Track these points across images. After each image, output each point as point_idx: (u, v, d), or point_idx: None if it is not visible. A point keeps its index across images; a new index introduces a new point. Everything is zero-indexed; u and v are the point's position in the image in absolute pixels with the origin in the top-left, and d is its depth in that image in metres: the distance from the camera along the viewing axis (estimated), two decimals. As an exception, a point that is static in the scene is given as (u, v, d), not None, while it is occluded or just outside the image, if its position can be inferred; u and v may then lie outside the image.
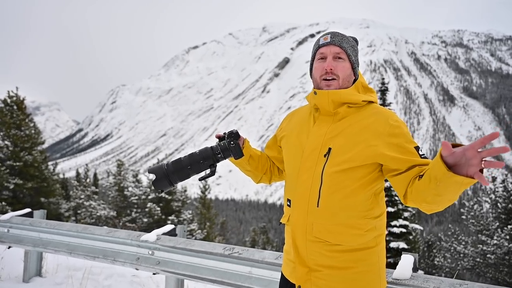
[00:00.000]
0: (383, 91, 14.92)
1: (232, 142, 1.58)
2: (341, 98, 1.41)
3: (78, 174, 29.18)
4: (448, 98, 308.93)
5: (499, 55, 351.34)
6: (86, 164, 27.75)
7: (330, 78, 1.43)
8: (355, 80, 1.48)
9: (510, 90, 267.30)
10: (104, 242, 3.31)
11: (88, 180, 22.13)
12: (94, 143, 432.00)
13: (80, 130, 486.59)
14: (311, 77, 1.53)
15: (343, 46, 1.44)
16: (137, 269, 3.15)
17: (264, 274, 2.51)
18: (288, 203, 1.49)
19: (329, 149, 1.39)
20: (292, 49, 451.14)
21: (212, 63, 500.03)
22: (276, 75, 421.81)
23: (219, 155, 1.57)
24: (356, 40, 1.55)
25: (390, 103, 14.88)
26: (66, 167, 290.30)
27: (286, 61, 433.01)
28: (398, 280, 1.89)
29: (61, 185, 21.03)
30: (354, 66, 1.46)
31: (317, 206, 1.38)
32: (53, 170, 17.13)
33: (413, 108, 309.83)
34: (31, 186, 14.35)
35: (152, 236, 3.08)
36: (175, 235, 3.26)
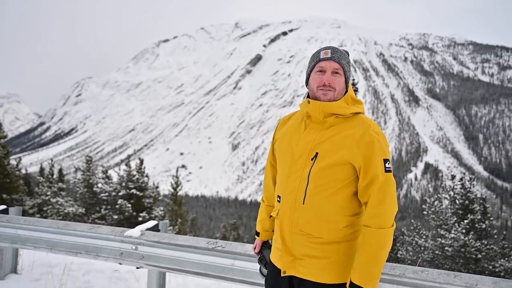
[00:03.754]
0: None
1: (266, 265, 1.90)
2: (331, 109, 1.59)
3: (42, 169, 27.99)
4: (413, 99, 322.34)
5: (461, 59, 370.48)
6: (50, 159, 26.67)
7: (328, 89, 1.61)
8: (346, 92, 1.65)
9: (470, 92, 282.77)
10: (86, 238, 3.37)
11: (54, 176, 21.31)
12: (57, 137, 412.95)
13: (42, 123, 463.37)
14: (307, 86, 1.69)
15: (342, 62, 1.61)
16: (120, 263, 3.24)
17: (247, 266, 2.66)
18: (278, 199, 1.70)
19: (316, 153, 1.58)
20: (264, 46, 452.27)
21: (183, 58, 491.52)
22: (248, 71, 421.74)
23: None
24: (348, 54, 1.70)
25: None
26: (27, 162, 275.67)
27: (258, 58, 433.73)
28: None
29: (24, 181, 20.14)
30: (347, 81, 1.64)
31: (303, 204, 1.58)
32: (16, 165, 16.41)
33: (381, 108, 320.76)
34: (-7, 182, 13.70)
35: (136, 231, 3.19)
36: (158, 230, 3.37)
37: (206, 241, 2.86)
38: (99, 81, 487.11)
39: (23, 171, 23.84)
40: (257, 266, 2.53)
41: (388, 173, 1.52)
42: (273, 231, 1.89)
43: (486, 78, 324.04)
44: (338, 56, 1.61)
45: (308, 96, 1.67)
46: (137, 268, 3.18)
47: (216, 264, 2.77)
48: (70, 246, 3.41)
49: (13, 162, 16.61)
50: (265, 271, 1.87)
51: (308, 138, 1.62)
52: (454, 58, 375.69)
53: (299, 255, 1.61)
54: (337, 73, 1.60)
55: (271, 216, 1.87)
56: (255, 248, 1.96)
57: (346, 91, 1.64)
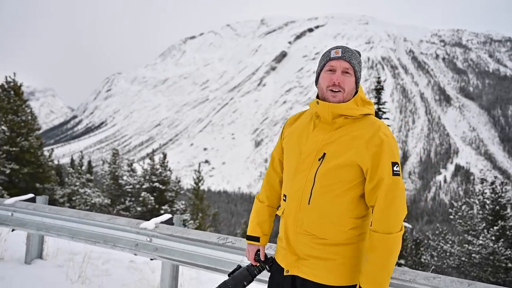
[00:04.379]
0: (378, 90, 15.13)
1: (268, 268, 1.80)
2: (340, 110, 1.57)
3: (72, 161, 29.19)
4: (444, 98, 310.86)
5: (498, 56, 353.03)
6: (80, 151, 27.75)
7: (337, 90, 1.57)
8: (356, 93, 1.62)
9: (506, 92, 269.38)
10: (104, 228, 3.51)
11: (83, 167, 22.18)
12: (88, 130, 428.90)
13: (75, 117, 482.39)
14: (317, 86, 1.66)
15: (352, 62, 1.58)
16: (135, 254, 3.35)
17: (256, 263, 2.75)
18: (284, 198, 1.67)
19: (324, 154, 1.57)
20: (289, 42, 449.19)
21: (208, 54, 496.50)
22: (273, 68, 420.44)
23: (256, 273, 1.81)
24: (360, 54, 1.67)
25: (385, 102, 15.08)
26: (60, 154, 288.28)
27: (283, 55, 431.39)
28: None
29: (56, 171, 21.09)
30: (358, 81, 1.61)
31: (308, 204, 1.57)
32: (48, 156, 17.20)
33: (409, 106, 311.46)
34: (27, 171, 14.44)
35: (150, 224, 3.28)
36: (172, 224, 3.46)
37: (217, 236, 2.89)
38: (128, 76, 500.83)
39: (55, 162, 24.96)
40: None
41: (396, 176, 1.50)
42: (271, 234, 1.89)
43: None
44: (349, 55, 1.58)
45: (317, 96, 1.65)
46: (151, 259, 3.28)
47: (225, 259, 2.79)
48: (89, 235, 3.56)
49: (46, 153, 17.42)
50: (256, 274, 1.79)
51: (316, 138, 1.61)
52: (490, 56, 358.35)
53: (303, 255, 1.60)
54: (347, 72, 1.57)
55: (276, 215, 1.83)
56: (256, 255, 1.82)
57: (356, 92, 1.62)
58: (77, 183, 17.49)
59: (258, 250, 1.83)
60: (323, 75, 1.61)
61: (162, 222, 3.36)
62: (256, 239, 1.82)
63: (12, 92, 14.68)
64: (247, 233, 1.85)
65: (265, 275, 1.98)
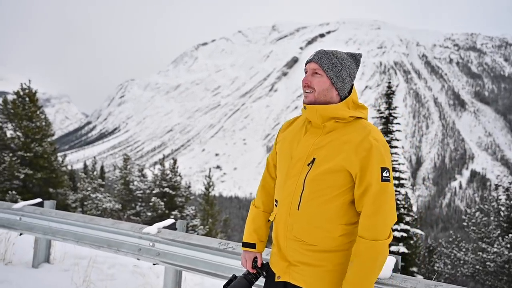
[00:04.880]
0: (389, 95, 14.98)
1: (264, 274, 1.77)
2: (329, 113, 1.55)
3: (85, 166, 29.67)
4: (459, 103, 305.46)
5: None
6: (94, 157, 28.17)
7: (308, 91, 1.58)
8: (346, 96, 1.59)
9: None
10: (108, 232, 3.53)
11: (95, 172, 22.52)
12: (101, 136, 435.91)
13: (89, 123, 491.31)
14: None
15: (321, 62, 1.56)
16: (138, 259, 3.36)
17: (256, 269, 2.73)
18: (276, 203, 1.67)
19: (313, 159, 1.55)
20: (301, 48, 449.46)
21: (220, 61, 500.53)
22: (284, 74, 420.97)
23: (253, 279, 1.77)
24: (354, 57, 1.64)
25: (396, 107, 14.92)
26: (74, 159, 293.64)
27: (294, 60, 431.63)
28: (379, 279, 1.99)
29: (69, 176, 21.46)
30: (333, 82, 1.56)
31: (298, 209, 1.55)
32: (61, 161, 17.51)
33: (422, 111, 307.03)
34: (41, 176, 14.73)
35: (153, 229, 3.29)
36: (175, 229, 3.46)
37: (218, 241, 2.89)
38: (141, 83, 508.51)
39: (69, 167, 25.39)
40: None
41: (385, 182, 1.47)
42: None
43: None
44: (318, 57, 1.58)
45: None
46: (154, 264, 3.29)
47: (226, 265, 2.79)
48: (94, 240, 3.60)
49: (59, 158, 17.75)
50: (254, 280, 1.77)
51: (307, 143, 1.60)
52: (506, 59, 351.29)
53: (294, 261, 1.58)
54: (316, 73, 1.57)
55: (268, 220, 1.80)
56: (253, 263, 1.78)
57: (347, 96, 1.60)
58: (89, 188, 17.76)
59: (256, 257, 1.79)
60: None
61: (164, 227, 3.36)
62: (253, 245, 1.78)
63: (27, 99, 15.05)
64: (243, 240, 1.81)
65: (260, 280, 1.91)
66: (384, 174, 1.47)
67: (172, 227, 3.41)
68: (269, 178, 1.82)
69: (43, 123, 15.48)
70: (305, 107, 1.60)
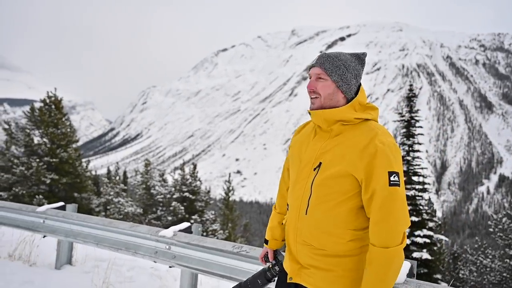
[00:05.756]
0: (410, 98, 14.65)
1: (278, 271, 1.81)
2: (334, 116, 1.53)
3: (109, 171, 30.46)
4: (486, 105, 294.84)
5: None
6: (117, 162, 28.94)
7: (314, 96, 1.57)
8: (353, 98, 1.56)
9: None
10: (127, 235, 3.62)
11: (118, 177, 23.08)
12: (124, 142, 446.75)
13: (112, 129, 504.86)
14: None
15: (324, 67, 1.54)
16: (155, 261, 3.42)
17: (270, 272, 2.74)
18: (287, 207, 1.71)
19: (320, 163, 1.54)
20: (321, 52, 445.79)
21: (240, 66, 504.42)
22: (304, 78, 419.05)
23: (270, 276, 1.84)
24: (359, 57, 1.61)
25: (418, 110, 14.56)
26: (98, 165, 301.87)
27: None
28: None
29: (93, 181, 22.08)
30: (338, 85, 1.53)
31: (306, 214, 1.55)
32: (86, 167, 18.06)
33: (447, 114, 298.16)
34: (66, 181, 15.22)
35: (169, 232, 3.35)
36: (191, 232, 3.50)
37: (232, 245, 2.91)
38: (162, 89, 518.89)
39: (93, 173, 26.14)
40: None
41: (393, 187, 1.41)
42: (282, 240, 1.89)
43: None
44: (321, 61, 1.56)
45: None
46: (170, 267, 3.34)
47: (240, 268, 2.80)
48: (113, 242, 3.69)
49: (83, 164, 18.30)
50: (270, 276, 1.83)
51: (315, 147, 1.59)
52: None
53: (305, 264, 1.59)
54: (320, 78, 1.55)
55: (282, 223, 1.86)
56: (265, 257, 1.91)
57: (353, 97, 1.56)
58: (112, 193, 18.21)
59: (267, 252, 1.91)
60: None
61: (180, 230, 3.41)
62: (266, 242, 1.91)
63: (53, 106, 15.63)
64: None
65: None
66: (392, 178, 1.42)
67: (187, 230, 3.45)
68: (282, 182, 1.87)
69: (68, 130, 16.01)
70: (309, 113, 1.59)
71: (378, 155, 1.43)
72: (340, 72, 1.54)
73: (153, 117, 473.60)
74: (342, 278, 1.52)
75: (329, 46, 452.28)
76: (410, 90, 14.82)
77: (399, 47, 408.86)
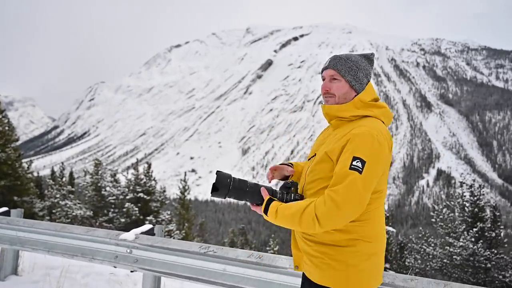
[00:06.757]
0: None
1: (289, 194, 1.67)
2: (332, 112, 1.65)
3: (53, 172, 28.43)
4: (425, 105, 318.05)
5: (474, 64, 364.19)
6: (62, 163, 27.09)
7: (328, 96, 1.67)
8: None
9: (483, 98, 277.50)
10: (82, 240, 3.41)
11: (64, 179, 21.66)
12: (70, 141, 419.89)
13: (56, 127, 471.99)
14: None
15: (337, 68, 1.64)
16: (115, 267, 3.26)
17: (238, 271, 2.67)
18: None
19: (315, 154, 1.68)
20: (275, 51, 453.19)
21: (194, 63, 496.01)
22: (259, 76, 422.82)
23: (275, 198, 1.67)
24: (368, 58, 1.71)
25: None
26: (40, 165, 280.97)
27: (269, 63, 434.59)
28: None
29: (35, 183, 20.49)
30: (351, 84, 1.63)
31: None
32: (27, 168, 16.72)
33: (392, 113, 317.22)
34: (4, 184, 13.99)
35: (130, 235, 3.21)
36: (153, 234, 3.39)
37: (198, 245, 2.87)
38: (111, 85, 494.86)
39: (35, 174, 24.26)
40: (248, 271, 2.60)
41: (352, 171, 1.42)
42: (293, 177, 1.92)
43: (500, 84, 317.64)
44: (334, 63, 1.65)
45: None
46: (131, 271, 3.20)
47: (207, 268, 2.77)
48: (66, 249, 3.46)
49: (24, 165, 16.93)
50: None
51: (317, 141, 1.75)
52: (468, 64, 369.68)
53: (302, 251, 1.66)
54: (334, 79, 1.64)
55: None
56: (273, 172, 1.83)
57: (357, 95, 1.64)
58: (58, 195, 17.04)
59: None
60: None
61: (142, 233, 3.29)
62: (291, 165, 1.89)
63: (-11, 102, 14.25)
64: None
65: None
66: (354, 163, 1.43)
67: (150, 232, 3.34)
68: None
69: (6, 128, 14.72)
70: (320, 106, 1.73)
71: (350, 140, 1.49)
72: (352, 73, 1.63)
73: (102, 115, 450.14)
74: (329, 267, 1.52)
75: (283, 46, 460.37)
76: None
77: (349, 48, 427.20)
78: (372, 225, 1.55)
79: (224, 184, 1.56)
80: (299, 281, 2.37)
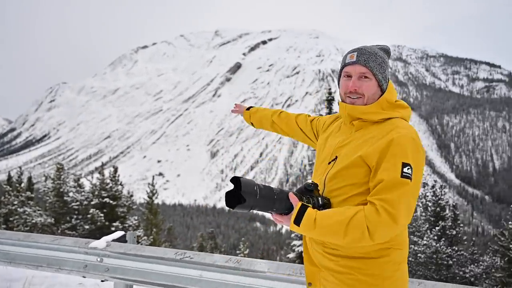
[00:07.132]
0: (330, 101, 15.82)
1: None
2: (357, 114, 1.46)
3: (10, 177, 26.73)
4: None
5: (433, 70, 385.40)
6: (19, 167, 25.55)
7: (355, 96, 1.46)
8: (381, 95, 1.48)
9: (441, 102, 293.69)
10: (48, 250, 3.22)
11: (22, 184, 20.42)
12: (28, 144, 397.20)
13: (13, 129, 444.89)
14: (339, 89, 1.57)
15: (370, 65, 1.44)
16: (84, 276, 3.11)
17: (215, 277, 2.63)
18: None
19: (336, 157, 1.46)
20: (244, 54, 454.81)
21: (162, 65, 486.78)
22: (228, 79, 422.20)
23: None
24: (387, 51, 1.54)
25: (336, 112, 15.74)
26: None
27: (238, 66, 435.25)
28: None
29: (-10, 190, 19.17)
30: (380, 84, 1.46)
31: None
32: (-19, 173, 15.62)
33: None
34: (-45, 191, 12.95)
35: (101, 243, 3.07)
36: (125, 241, 3.27)
37: (174, 251, 2.80)
38: (74, 86, 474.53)
39: (-10, 180, 22.70)
40: (226, 277, 2.57)
41: (405, 179, 1.28)
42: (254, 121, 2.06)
43: (456, 89, 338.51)
44: (365, 58, 1.45)
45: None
46: (102, 281, 3.06)
47: (183, 275, 2.71)
48: (30, 259, 3.25)
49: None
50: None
51: (333, 142, 1.54)
52: (427, 70, 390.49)
53: (320, 265, 1.48)
54: (365, 77, 1.44)
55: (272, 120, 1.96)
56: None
57: (382, 94, 1.48)
58: (15, 202, 16.03)
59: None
60: (341, 81, 1.52)
61: (114, 240, 3.16)
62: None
63: None
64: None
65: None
66: (405, 170, 1.29)
67: (122, 239, 3.22)
68: (301, 119, 1.93)
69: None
70: (338, 103, 1.54)
71: (393, 143, 1.32)
72: (382, 70, 1.47)
73: (63, 117, 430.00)
74: (361, 283, 1.36)
75: (252, 49, 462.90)
76: (329, 93, 15.97)
77: (316, 53, 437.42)
78: (402, 231, 1.43)
79: (250, 193, 1.25)
80: (278, 285, 2.32)
